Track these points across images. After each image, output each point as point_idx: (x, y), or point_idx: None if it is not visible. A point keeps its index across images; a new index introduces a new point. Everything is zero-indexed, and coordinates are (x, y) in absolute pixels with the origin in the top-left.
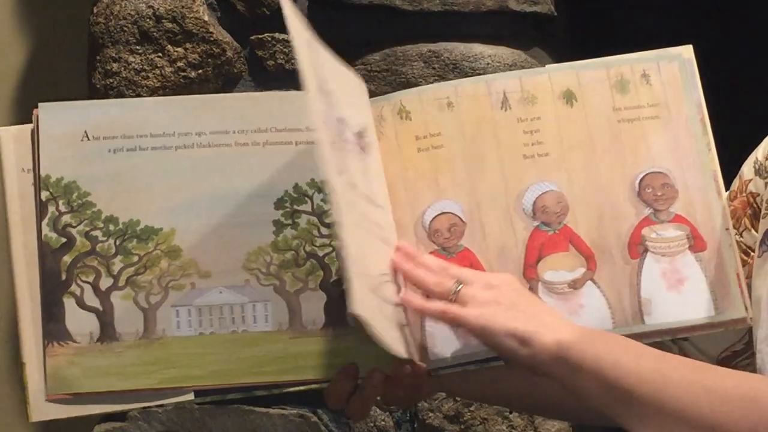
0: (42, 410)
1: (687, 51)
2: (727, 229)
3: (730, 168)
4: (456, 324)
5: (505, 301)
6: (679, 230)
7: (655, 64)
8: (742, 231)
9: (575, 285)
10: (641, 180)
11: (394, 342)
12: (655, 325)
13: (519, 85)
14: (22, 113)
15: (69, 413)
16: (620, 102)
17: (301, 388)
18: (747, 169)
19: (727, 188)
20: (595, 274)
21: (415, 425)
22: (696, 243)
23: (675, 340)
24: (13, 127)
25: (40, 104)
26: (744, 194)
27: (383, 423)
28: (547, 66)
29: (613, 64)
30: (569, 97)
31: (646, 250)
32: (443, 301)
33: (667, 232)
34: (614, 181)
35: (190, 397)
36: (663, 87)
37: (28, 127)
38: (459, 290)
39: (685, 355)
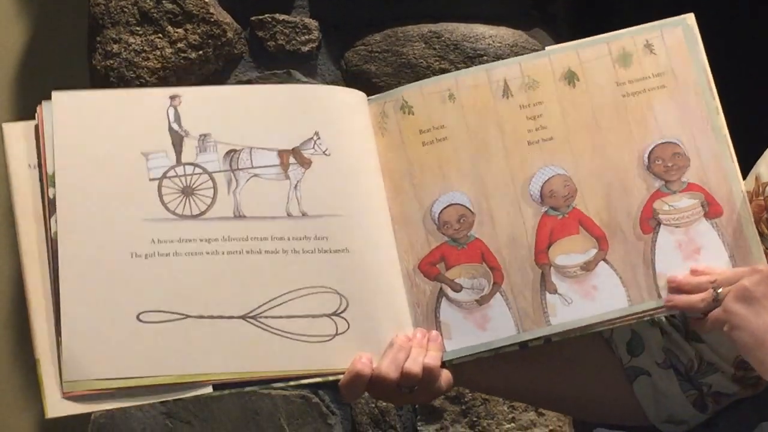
0: (58, 406)
1: (690, 18)
2: (741, 191)
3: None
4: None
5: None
6: (692, 199)
7: (658, 32)
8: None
9: (588, 267)
10: (650, 153)
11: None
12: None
13: (519, 70)
14: (22, 95)
15: (85, 409)
16: (624, 76)
17: (318, 380)
18: (765, 170)
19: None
20: (607, 254)
21: (417, 406)
22: (711, 209)
23: (692, 343)
24: (18, 123)
25: (53, 93)
26: (762, 197)
27: (385, 404)
28: (546, 48)
29: (614, 38)
30: (571, 78)
31: (658, 224)
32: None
33: (680, 202)
34: (622, 157)
35: (209, 390)
36: (668, 54)
37: (33, 123)
38: (719, 295)
39: (701, 357)
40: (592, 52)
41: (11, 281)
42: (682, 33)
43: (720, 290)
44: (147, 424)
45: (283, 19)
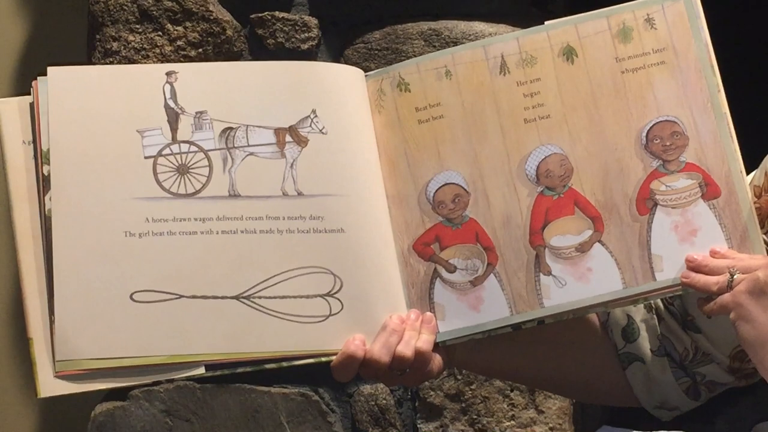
0: (50, 386)
1: None
2: (740, 171)
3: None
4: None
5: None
6: (690, 179)
7: (659, 7)
8: (767, 231)
9: (583, 248)
10: (648, 131)
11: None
12: (667, 281)
13: (517, 46)
14: (21, 93)
15: (77, 389)
16: (623, 52)
17: (311, 361)
18: None
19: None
20: (602, 236)
21: (417, 404)
22: (709, 190)
23: (688, 332)
24: (13, 98)
25: (49, 68)
26: None
27: (384, 402)
28: (546, 23)
29: (614, 12)
30: (569, 54)
31: (655, 205)
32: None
33: (678, 182)
34: (619, 136)
35: (201, 371)
36: (669, 29)
37: (28, 99)
38: (732, 281)
39: (696, 347)
40: (592, 27)
41: (12, 281)
42: (683, 7)
43: (735, 276)
44: (147, 422)
45: (282, 17)
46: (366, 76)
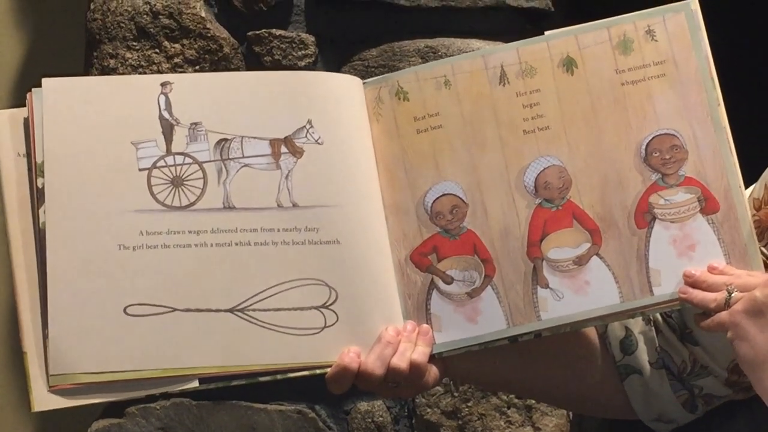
0: (44, 400)
1: (693, 2)
2: (739, 186)
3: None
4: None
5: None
6: (689, 193)
7: (660, 18)
8: (766, 244)
9: (580, 261)
10: (647, 145)
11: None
12: (665, 296)
13: (516, 56)
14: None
15: (71, 403)
16: (623, 63)
17: (306, 373)
18: None
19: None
20: (600, 249)
21: (413, 421)
22: (708, 205)
23: (686, 344)
24: (6, 111)
25: (43, 80)
26: None
27: (381, 419)
28: (546, 33)
29: (615, 23)
30: (569, 65)
31: (654, 218)
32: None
33: (677, 196)
34: (618, 149)
35: (195, 384)
36: (669, 41)
37: (23, 111)
38: (730, 299)
39: (694, 360)
40: (592, 38)
41: (7, 294)
42: (684, 19)
43: (733, 294)
44: None
45: (279, 35)
46: (364, 83)
